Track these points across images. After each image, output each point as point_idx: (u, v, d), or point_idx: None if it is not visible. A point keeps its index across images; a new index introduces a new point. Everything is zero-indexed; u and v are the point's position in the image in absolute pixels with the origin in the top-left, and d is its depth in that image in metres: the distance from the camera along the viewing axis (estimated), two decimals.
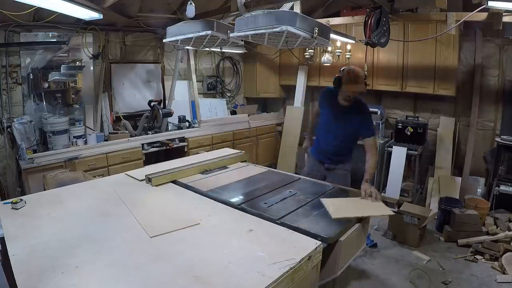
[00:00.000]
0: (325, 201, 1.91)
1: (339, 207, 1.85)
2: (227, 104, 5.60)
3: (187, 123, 4.70)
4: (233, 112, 5.56)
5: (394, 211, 3.30)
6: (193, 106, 5.02)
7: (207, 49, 2.57)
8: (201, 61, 5.31)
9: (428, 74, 4.06)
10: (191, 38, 2.16)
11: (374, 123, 4.39)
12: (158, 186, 2.21)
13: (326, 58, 4.25)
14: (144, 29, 4.31)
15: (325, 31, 1.84)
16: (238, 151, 3.01)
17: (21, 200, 1.85)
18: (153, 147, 4.09)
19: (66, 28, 3.63)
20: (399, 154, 4.14)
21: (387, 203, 2.16)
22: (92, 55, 3.99)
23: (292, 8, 3.10)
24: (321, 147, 2.81)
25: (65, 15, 2.71)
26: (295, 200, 1.98)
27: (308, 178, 2.56)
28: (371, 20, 2.59)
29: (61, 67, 3.71)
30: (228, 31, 2.02)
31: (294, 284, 1.29)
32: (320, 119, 2.84)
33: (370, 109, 4.49)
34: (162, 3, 3.82)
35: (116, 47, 4.28)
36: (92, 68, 4.08)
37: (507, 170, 3.67)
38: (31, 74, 3.57)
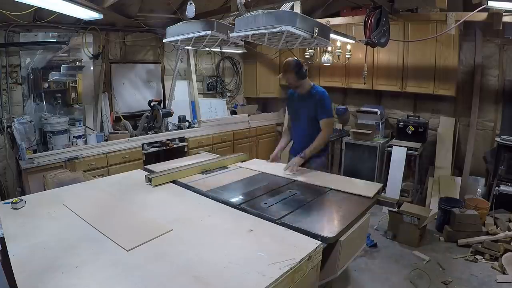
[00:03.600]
0: None
1: None
2: (227, 104, 5.60)
3: (187, 123, 4.70)
4: (233, 112, 5.57)
5: (393, 211, 3.32)
6: (193, 106, 5.02)
7: (207, 49, 2.56)
8: (201, 61, 5.31)
9: (428, 74, 4.06)
10: (191, 38, 2.16)
11: (374, 123, 4.49)
12: (158, 186, 2.21)
13: (326, 58, 4.24)
14: (144, 29, 4.31)
15: (325, 31, 1.84)
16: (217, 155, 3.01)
17: (21, 200, 1.85)
18: (153, 147, 4.09)
19: (66, 28, 3.64)
20: (399, 154, 4.15)
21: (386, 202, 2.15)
22: (92, 55, 3.99)
23: (292, 8, 3.10)
24: (295, 142, 2.97)
25: (65, 15, 2.71)
26: (295, 200, 1.97)
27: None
28: (371, 20, 2.59)
29: (61, 67, 3.72)
30: (228, 31, 2.01)
31: (294, 284, 1.29)
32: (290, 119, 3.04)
33: (370, 109, 4.59)
34: (162, 3, 3.82)
35: (116, 47, 4.28)
36: (92, 68, 4.08)
37: (507, 170, 3.67)
38: (31, 74, 3.57)
